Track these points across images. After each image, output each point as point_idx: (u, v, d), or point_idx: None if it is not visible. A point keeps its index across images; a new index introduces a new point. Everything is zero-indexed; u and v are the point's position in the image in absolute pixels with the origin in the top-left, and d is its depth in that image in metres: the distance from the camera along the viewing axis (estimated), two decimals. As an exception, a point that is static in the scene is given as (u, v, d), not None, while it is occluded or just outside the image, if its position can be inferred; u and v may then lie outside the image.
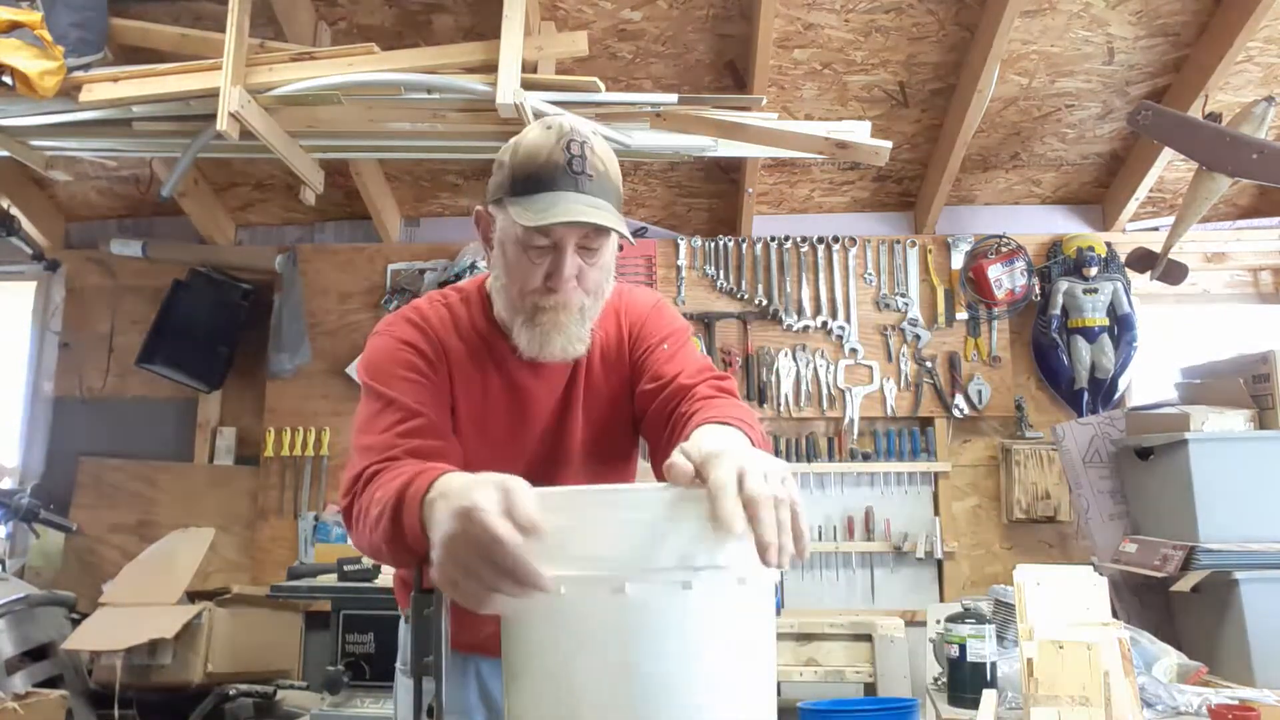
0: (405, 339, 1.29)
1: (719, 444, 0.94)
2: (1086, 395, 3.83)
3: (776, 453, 3.55)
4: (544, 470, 1.33)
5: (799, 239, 4.03)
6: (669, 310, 1.42)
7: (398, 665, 1.49)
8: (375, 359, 1.29)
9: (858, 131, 3.21)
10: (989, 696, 1.87)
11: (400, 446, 1.16)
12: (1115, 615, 1.84)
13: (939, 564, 3.82)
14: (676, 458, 0.91)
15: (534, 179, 1.19)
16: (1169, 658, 2.04)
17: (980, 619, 2.10)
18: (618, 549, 0.88)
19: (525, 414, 1.33)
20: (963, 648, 2.08)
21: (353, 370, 4.05)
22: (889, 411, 3.90)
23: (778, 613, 2.78)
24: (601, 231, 1.22)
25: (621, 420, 1.37)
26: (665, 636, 0.87)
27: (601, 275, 1.27)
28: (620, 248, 1.31)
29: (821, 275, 4.00)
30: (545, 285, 1.22)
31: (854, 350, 3.92)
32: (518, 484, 0.88)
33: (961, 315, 3.95)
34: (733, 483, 0.87)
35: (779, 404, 3.90)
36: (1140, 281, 3.88)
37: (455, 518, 0.87)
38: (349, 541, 3.77)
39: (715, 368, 1.33)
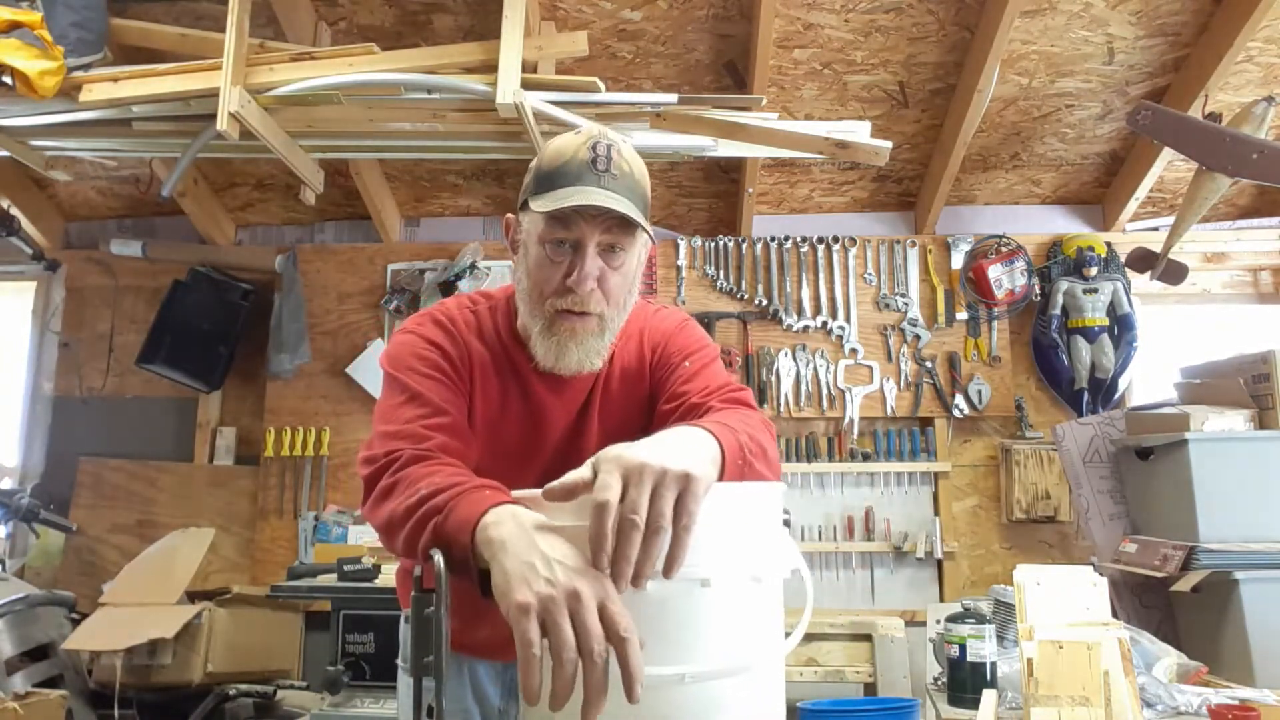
0: (432, 339, 1.29)
1: (619, 447, 0.91)
2: (1086, 395, 3.83)
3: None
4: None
5: (799, 239, 4.03)
6: (695, 329, 1.40)
7: (399, 663, 1.50)
8: (401, 354, 1.28)
9: (858, 131, 3.21)
10: (989, 696, 1.87)
11: (431, 440, 1.16)
12: (1115, 615, 1.84)
13: (939, 564, 3.82)
14: (569, 473, 0.90)
15: (558, 174, 1.20)
16: (1169, 658, 2.03)
17: (980, 619, 2.10)
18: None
19: (539, 428, 1.33)
20: (963, 648, 2.08)
21: (353, 370, 4.05)
22: (889, 411, 3.90)
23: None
24: (625, 231, 1.22)
25: (635, 437, 1.36)
26: (683, 631, 0.89)
27: (624, 284, 1.26)
28: (649, 261, 1.32)
29: (821, 275, 4.00)
30: (565, 284, 1.22)
31: (854, 350, 3.92)
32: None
33: (961, 315, 3.95)
34: (612, 497, 0.85)
35: (779, 404, 3.90)
36: (1140, 281, 3.88)
37: (592, 579, 0.84)
38: (349, 541, 3.78)
39: (737, 383, 1.31)
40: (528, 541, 0.88)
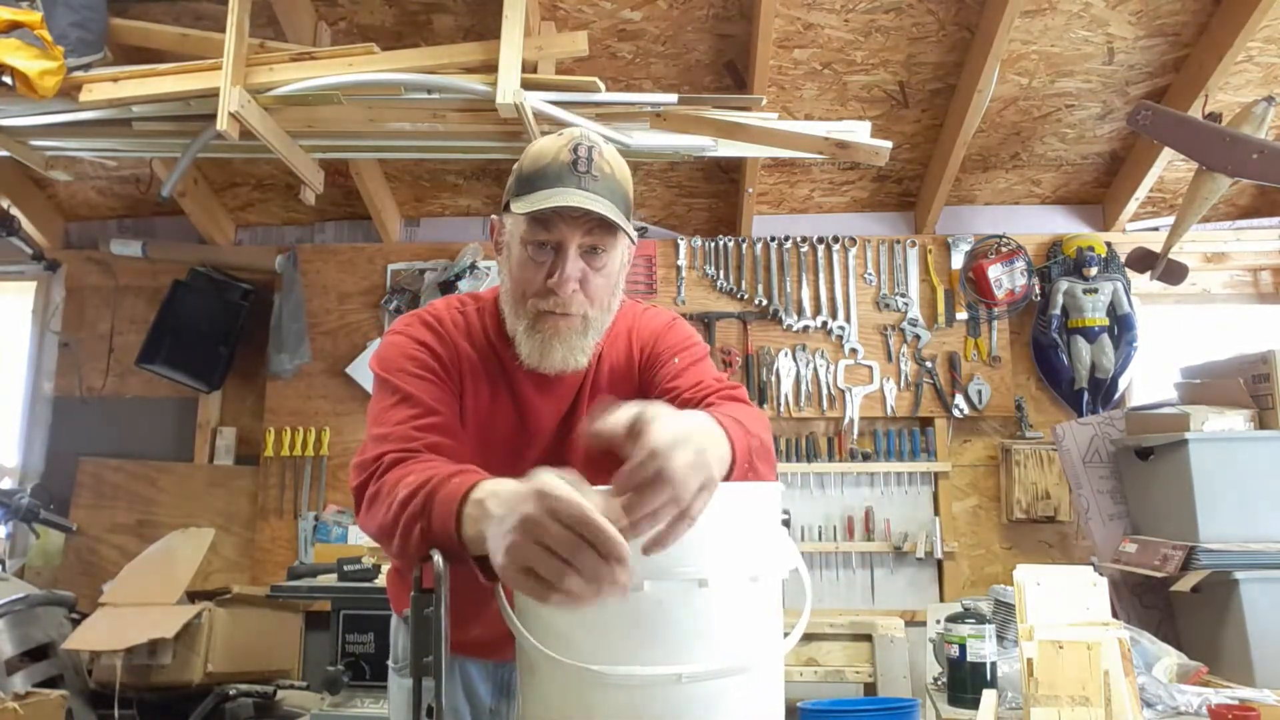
0: (421, 340, 1.30)
1: (674, 418, 0.90)
2: (1086, 395, 3.83)
3: (776, 453, 3.54)
4: None
5: (799, 239, 4.03)
6: (683, 327, 1.41)
7: (390, 664, 1.50)
8: (391, 355, 1.29)
9: (858, 131, 3.21)
10: (989, 696, 1.87)
11: (419, 440, 1.16)
12: (1115, 615, 1.84)
13: (939, 564, 3.82)
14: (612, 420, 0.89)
15: (539, 176, 1.21)
16: (1169, 658, 2.03)
17: (980, 619, 2.10)
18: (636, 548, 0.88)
19: (528, 427, 1.34)
20: (963, 648, 2.08)
21: (352, 370, 4.05)
22: (889, 411, 3.90)
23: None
24: (606, 232, 1.22)
25: None
26: (680, 630, 0.89)
27: (607, 285, 1.27)
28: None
29: (821, 275, 4.00)
30: (546, 286, 1.22)
31: (854, 350, 3.92)
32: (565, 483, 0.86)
33: (961, 315, 3.95)
34: (663, 450, 0.84)
35: (779, 404, 3.90)
36: (1140, 281, 3.88)
37: (533, 498, 0.83)
38: (349, 541, 3.78)
39: (730, 380, 1.32)
40: (495, 516, 0.89)
